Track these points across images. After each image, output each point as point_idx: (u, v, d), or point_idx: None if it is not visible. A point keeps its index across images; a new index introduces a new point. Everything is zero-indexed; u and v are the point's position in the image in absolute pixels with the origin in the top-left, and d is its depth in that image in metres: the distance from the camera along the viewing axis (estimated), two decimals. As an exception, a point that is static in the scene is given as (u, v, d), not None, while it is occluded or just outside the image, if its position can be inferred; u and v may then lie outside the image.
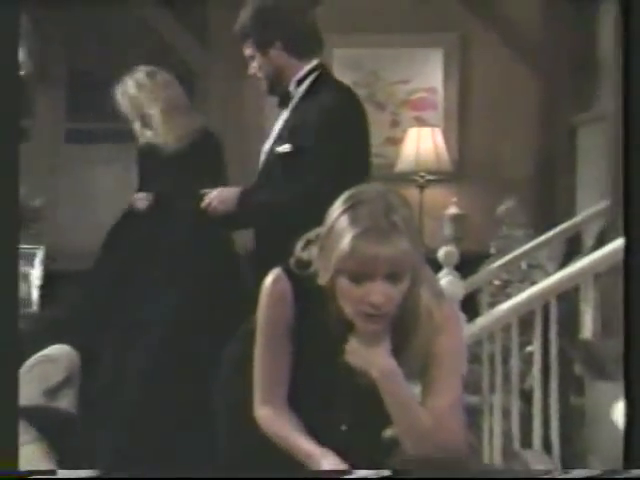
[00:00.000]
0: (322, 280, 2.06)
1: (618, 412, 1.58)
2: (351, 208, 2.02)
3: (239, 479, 2.12)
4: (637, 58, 1.75)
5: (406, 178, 5.81)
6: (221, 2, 5.87)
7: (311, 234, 2.16)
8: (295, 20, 3.28)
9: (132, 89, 4.24)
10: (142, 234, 4.25)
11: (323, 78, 3.28)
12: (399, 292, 2.03)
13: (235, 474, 2.50)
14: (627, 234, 1.71)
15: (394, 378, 2.08)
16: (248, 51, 3.32)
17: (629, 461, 1.77)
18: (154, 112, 4.22)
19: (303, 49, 3.27)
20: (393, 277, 2.01)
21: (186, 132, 4.22)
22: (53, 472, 2.05)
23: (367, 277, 2.00)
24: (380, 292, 2.01)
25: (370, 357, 2.08)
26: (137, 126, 4.30)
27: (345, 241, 1.98)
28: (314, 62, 3.27)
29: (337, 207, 2.05)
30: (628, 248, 1.74)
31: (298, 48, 3.26)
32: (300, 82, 3.26)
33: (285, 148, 3.20)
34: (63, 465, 2.42)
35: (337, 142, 3.14)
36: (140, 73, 4.26)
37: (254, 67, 3.32)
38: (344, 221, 2.01)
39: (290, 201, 3.18)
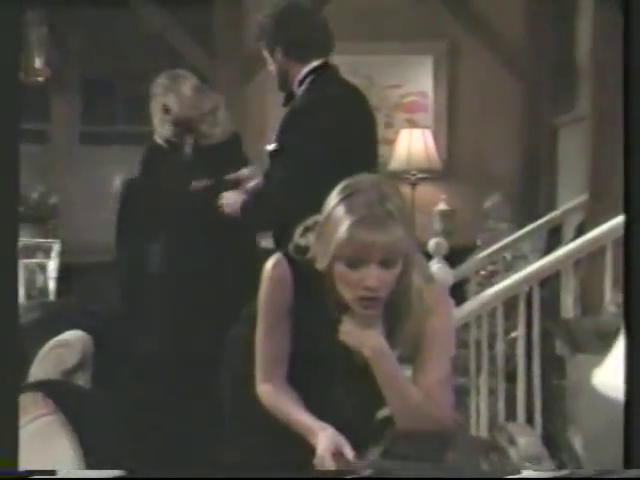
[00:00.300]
0: (320, 265, 2.10)
1: (597, 378, 1.71)
2: (347, 197, 2.05)
3: (239, 479, 2.11)
4: (637, 57, 1.76)
5: (398, 176, 5.90)
6: (225, 7, 6.00)
7: (309, 221, 2.20)
8: (294, 27, 3.33)
9: (188, 90, 4.22)
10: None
11: (321, 79, 3.32)
12: (393, 276, 2.08)
13: (237, 452, 2.52)
14: (627, 210, 1.72)
15: (385, 357, 2.13)
16: (264, 52, 3.43)
17: (628, 460, 1.72)
18: (219, 109, 4.25)
19: (303, 53, 3.31)
20: (387, 262, 2.05)
21: (228, 127, 4.30)
22: (53, 472, 1.96)
23: (363, 262, 2.04)
24: (375, 276, 2.05)
25: (363, 338, 2.12)
26: (161, 124, 4.25)
27: (342, 229, 2.02)
28: (314, 64, 3.31)
29: (334, 196, 2.08)
30: (628, 225, 1.73)
31: (297, 53, 3.31)
32: (301, 82, 3.32)
33: (271, 147, 3.29)
34: (79, 436, 2.37)
35: (312, 140, 3.16)
36: (191, 77, 4.29)
37: (270, 66, 3.43)
38: (341, 210, 2.04)
39: (270, 200, 3.27)
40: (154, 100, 4.28)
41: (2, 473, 1.82)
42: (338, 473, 1.98)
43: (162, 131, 4.30)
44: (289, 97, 3.39)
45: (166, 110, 4.23)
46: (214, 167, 4.14)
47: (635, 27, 1.77)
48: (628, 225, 1.73)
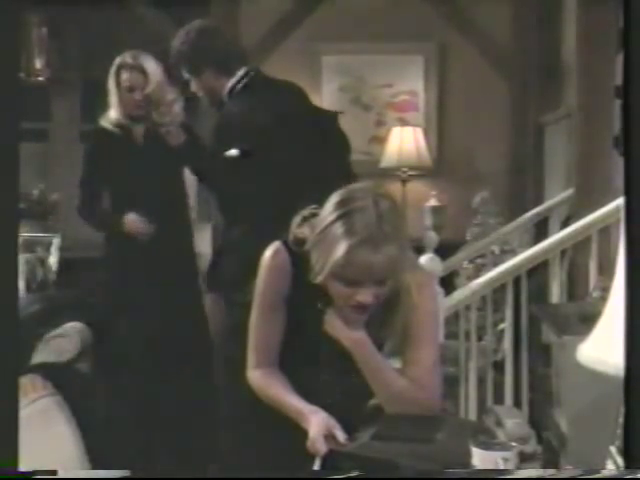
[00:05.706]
0: (316, 280, 2.11)
1: (581, 354, 1.74)
2: (346, 216, 2.04)
3: (239, 479, 2.10)
4: (637, 57, 1.72)
5: (390, 173, 5.98)
6: (221, 7, 6.04)
7: (306, 211, 2.22)
8: (215, 48, 3.48)
9: (158, 72, 4.16)
10: None
11: (246, 86, 3.48)
12: (386, 289, 2.12)
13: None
14: (627, 193, 1.71)
15: (363, 346, 2.18)
16: (185, 75, 3.58)
17: (629, 461, 1.70)
18: (176, 102, 4.19)
19: (228, 68, 3.47)
20: (382, 280, 2.09)
21: (179, 119, 4.27)
22: (54, 472, 1.94)
23: (359, 282, 2.08)
24: (369, 293, 2.09)
25: (342, 330, 2.18)
26: (117, 104, 4.20)
27: (340, 250, 2.02)
28: (239, 74, 3.48)
29: (331, 209, 2.08)
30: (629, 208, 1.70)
31: (223, 69, 3.47)
32: (231, 91, 3.48)
33: (232, 152, 3.40)
34: (77, 417, 2.42)
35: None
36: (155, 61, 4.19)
37: (194, 87, 3.58)
38: (339, 228, 2.04)
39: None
40: (118, 75, 4.18)
41: (3, 473, 1.81)
42: (339, 473, 1.94)
43: (115, 113, 4.20)
44: (220, 105, 3.56)
45: (130, 88, 4.15)
46: (165, 155, 4.20)
47: (635, 27, 1.72)
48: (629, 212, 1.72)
